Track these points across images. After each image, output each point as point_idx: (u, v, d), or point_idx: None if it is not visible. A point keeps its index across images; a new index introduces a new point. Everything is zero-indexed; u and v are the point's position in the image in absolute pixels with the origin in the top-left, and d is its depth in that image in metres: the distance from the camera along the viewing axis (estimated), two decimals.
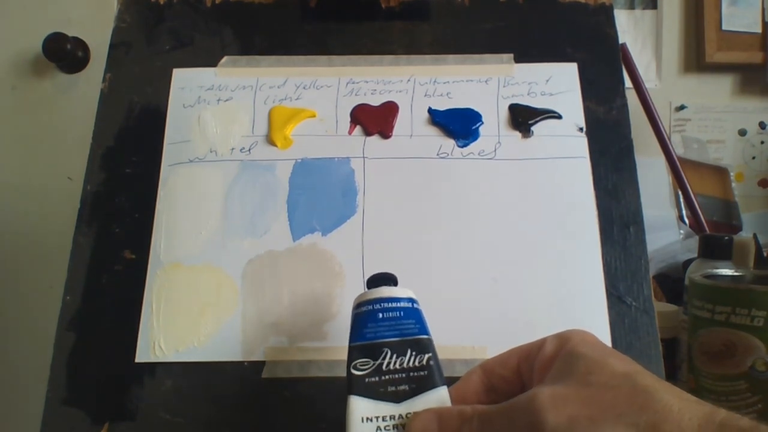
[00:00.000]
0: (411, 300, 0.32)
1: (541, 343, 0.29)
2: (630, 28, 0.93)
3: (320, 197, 0.46)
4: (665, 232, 0.73)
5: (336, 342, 0.41)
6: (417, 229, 0.44)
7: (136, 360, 0.41)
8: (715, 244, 0.52)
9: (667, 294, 0.68)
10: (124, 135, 0.48)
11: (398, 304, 0.32)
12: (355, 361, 0.30)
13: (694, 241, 0.63)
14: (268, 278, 0.43)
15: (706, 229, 0.74)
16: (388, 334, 0.30)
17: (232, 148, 0.47)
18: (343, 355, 0.40)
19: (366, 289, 0.33)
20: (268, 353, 0.41)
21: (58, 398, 0.41)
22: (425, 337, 0.31)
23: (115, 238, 0.45)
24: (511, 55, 0.50)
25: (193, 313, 0.43)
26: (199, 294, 0.43)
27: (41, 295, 0.81)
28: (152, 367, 0.41)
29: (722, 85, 0.95)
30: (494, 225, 0.45)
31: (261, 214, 0.45)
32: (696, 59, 0.94)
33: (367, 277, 0.42)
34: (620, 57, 0.50)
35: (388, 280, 0.34)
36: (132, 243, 0.45)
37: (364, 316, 0.32)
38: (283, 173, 0.46)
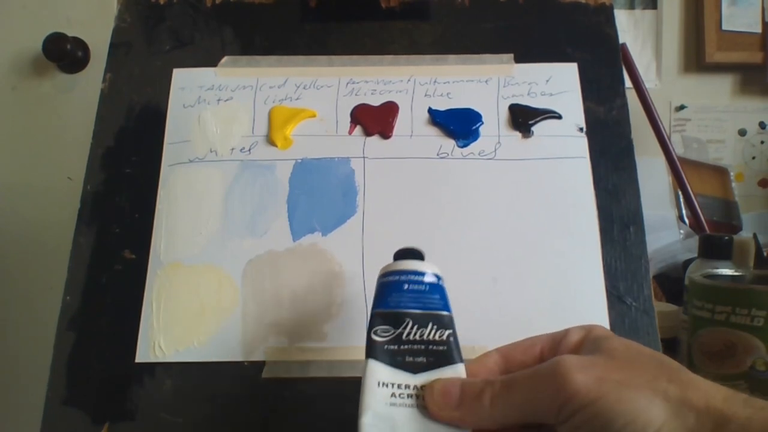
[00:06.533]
0: (437, 276, 0.31)
1: (565, 332, 0.30)
2: (630, 28, 0.93)
3: (320, 197, 0.46)
4: (665, 232, 0.73)
5: (336, 342, 0.41)
6: (417, 229, 0.44)
7: (136, 360, 0.41)
8: (715, 244, 0.52)
9: (667, 294, 0.68)
10: (124, 135, 0.48)
11: (424, 278, 0.31)
12: (377, 327, 0.30)
13: (694, 241, 0.63)
14: (268, 278, 0.43)
15: (706, 229, 0.74)
16: (412, 305, 0.30)
17: (232, 148, 0.47)
18: (343, 356, 0.41)
19: (393, 261, 0.33)
20: (268, 353, 0.41)
21: (58, 398, 0.41)
22: (447, 313, 0.30)
23: (115, 238, 0.45)
24: (511, 55, 0.50)
25: (193, 313, 0.43)
26: (199, 294, 0.43)
27: (41, 295, 0.81)
28: (152, 367, 0.41)
29: (722, 85, 0.95)
30: (494, 225, 0.45)
31: (261, 214, 0.45)
32: (696, 59, 0.94)
33: (367, 276, 0.43)
34: (620, 57, 0.50)
35: (416, 253, 0.33)
36: (132, 243, 0.45)
37: (390, 285, 0.31)
38: (283, 173, 0.46)
